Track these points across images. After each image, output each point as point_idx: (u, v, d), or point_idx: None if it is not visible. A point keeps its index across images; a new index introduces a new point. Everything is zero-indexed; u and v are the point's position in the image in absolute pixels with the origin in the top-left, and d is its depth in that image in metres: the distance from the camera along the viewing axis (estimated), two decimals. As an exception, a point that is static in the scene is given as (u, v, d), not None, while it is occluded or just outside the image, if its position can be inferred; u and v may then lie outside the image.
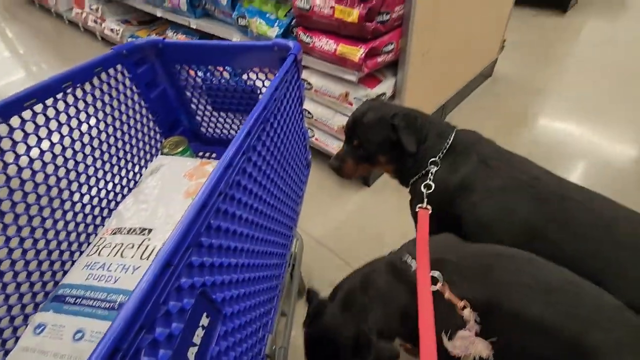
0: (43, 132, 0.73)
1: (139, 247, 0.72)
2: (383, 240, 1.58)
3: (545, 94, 2.42)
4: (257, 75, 0.95)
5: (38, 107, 0.71)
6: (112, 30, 3.28)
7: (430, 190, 0.93)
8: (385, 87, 1.51)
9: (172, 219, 0.77)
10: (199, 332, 0.43)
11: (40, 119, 0.72)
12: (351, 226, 1.65)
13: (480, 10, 1.90)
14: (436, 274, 0.70)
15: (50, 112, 0.74)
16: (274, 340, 0.76)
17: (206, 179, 0.47)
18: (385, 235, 1.60)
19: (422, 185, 0.95)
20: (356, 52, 1.32)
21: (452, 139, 0.98)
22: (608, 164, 1.82)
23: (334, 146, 1.71)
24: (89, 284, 0.68)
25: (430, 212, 0.89)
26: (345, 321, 0.75)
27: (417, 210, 0.92)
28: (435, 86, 1.86)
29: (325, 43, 1.42)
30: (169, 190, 0.85)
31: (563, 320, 0.59)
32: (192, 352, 0.42)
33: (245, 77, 0.96)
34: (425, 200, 0.92)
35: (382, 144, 1.03)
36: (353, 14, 1.25)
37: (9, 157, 0.69)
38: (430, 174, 0.96)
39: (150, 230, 0.75)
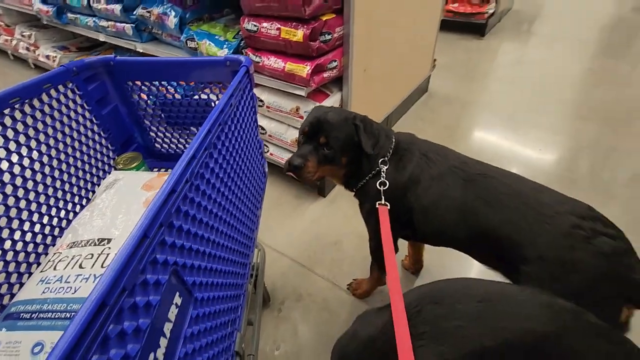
0: (-12, 148, 0.72)
1: (98, 257, 0.71)
2: (341, 246, 1.65)
3: (472, 106, 2.73)
4: (211, 89, 1.00)
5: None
6: (47, 57, 3.13)
7: (386, 187, 1.02)
8: (332, 100, 1.63)
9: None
10: (173, 310, 0.46)
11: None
12: (310, 235, 1.71)
13: (410, 32, 2.14)
14: None
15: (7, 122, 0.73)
16: (242, 338, 0.78)
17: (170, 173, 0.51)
18: (343, 241, 1.68)
19: (378, 183, 1.03)
20: (303, 69, 1.43)
21: (394, 139, 1.09)
22: (529, 166, 2.08)
23: (289, 159, 1.78)
24: (45, 297, 0.66)
25: (388, 207, 0.97)
26: None
27: (377, 206, 0.98)
28: (378, 99, 2.03)
29: (274, 62, 1.51)
30: (127, 202, 0.85)
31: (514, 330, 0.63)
32: (167, 327, 0.45)
33: (197, 98, 1.01)
34: (383, 197, 1.00)
35: (347, 143, 1.05)
36: (298, 34, 1.37)
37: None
38: (382, 172, 1.04)
39: (109, 240, 0.74)
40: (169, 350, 0.44)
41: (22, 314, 0.65)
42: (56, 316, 0.63)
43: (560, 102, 2.69)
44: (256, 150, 1.01)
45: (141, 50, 2.11)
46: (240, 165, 0.81)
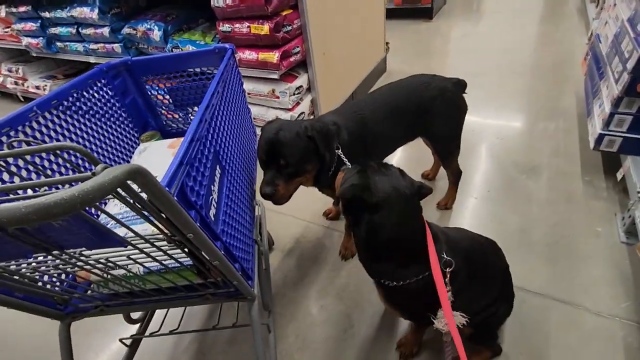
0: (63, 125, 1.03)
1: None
2: (327, 199, 1.99)
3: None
4: (206, 75, 1.33)
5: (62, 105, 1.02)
6: (37, 87, 3.38)
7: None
8: (301, 81, 1.98)
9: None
10: (216, 177, 0.79)
11: (57, 118, 1.02)
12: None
13: (359, 20, 2.51)
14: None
15: (61, 115, 1.04)
16: (258, 234, 1.12)
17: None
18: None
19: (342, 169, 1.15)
20: (273, 56, 1.77)
21: (333, 125, 1.28)
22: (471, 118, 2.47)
23: (273, 136, 2.12)
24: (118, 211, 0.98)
25: None
26: None
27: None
28: (340, 78, 2.39)
29: (248, 54, 1.85)
30: (160, 157, 1.18)
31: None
32: (215, 189, 0.78)
33: (197, 78, 1.33)
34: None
35: (306, 156, 1.15)
36: (264, 29, 1.71)
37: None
38: (341, 156, 1.20)
39: (156, 177, 1.07)
40: (219, 198, 0.77)
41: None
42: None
43: (499, 65, 3.11)
44: (246, 114, 1.35)
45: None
46: (236, 119, 1.15)
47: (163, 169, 1.12)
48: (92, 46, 2.50)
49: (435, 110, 1.46)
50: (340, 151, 1.24)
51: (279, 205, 1.18)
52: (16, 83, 3.57)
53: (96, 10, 2.27)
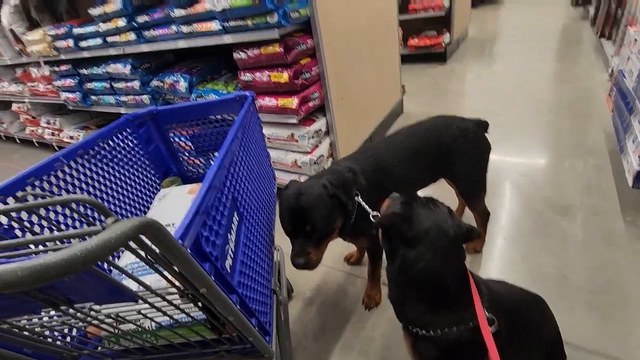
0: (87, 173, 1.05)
1: (168, 234, 1.02)
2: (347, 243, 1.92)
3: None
4: (227, 122, 1.36)
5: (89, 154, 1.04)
6: (71, 137, 3.59)
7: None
8: (319, 124, 2.00)
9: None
10: (234, 225, 0.76)
11: (82, 167, 1.05)
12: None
13: (375, 66, 2.59)
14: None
15: (86, 163, 1.07)
16: (276, 283, 1.06)
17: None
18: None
19: (371, 216, 1.10)
20: (292, 102, 1.81)
21: (349, 172, 1.27)
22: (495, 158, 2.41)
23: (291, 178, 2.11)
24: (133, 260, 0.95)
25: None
26: None
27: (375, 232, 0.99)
28: (358, 121, 2.41)
29: (268, 101, 1.91)
30: (180, 203, 1.18)
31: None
32: (232, 238, 0.75)
33: (219, 124, 1.36)
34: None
35: (332, 216, 1.13)
36: (284, 76, 1.77)
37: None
38: (362, 203, 1.15)
39: (174, 223, 1.05)
40: (236, 247, 0.74)
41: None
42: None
43: (516, 104, 3.09)
44: (265, 159, 1.35)
45: (157, 114, 2.53)
46: (255, 165, 1.15)
47: (182, 214, 1.12)
48: (123, 98, 2.66)
49: (458, 152, 1.42)
50: (359, 197, 1.21)
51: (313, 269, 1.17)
52: (52, 134, 3.81)
53: (129, 66, 2.45)
